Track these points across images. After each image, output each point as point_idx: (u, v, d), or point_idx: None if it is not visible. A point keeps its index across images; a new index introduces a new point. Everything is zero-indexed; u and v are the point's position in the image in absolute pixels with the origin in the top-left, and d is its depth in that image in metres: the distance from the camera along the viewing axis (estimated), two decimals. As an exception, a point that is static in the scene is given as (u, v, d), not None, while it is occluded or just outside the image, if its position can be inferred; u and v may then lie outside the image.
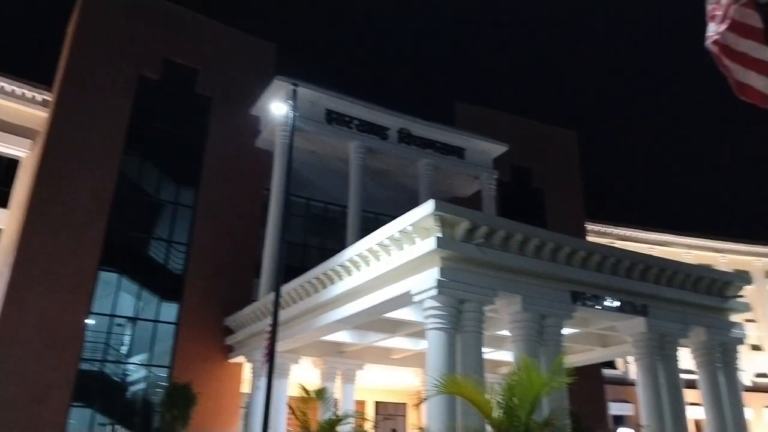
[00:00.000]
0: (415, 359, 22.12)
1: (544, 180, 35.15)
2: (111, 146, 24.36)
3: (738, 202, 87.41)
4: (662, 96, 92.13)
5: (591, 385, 28.95)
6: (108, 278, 23.28)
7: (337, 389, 21.89)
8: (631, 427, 28.58)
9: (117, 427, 22.24)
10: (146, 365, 23.54)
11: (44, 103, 26.53)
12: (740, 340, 17.07)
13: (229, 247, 25.26)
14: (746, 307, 17.70)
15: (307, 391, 15.64)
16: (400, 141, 27.46)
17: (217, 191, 25.98)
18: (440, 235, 12.50)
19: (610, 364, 33.88)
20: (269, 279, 22.28)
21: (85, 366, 21.95)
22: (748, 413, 23.52)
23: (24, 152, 26.29)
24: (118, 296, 23.51)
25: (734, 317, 17.41)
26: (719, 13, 5.20)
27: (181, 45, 27.35)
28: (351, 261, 15.41)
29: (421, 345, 18.46)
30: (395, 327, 18.53)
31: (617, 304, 14.89)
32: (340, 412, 15.78)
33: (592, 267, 14.60)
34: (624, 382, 34.36)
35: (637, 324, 15.37)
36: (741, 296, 17.33)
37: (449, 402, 11.37)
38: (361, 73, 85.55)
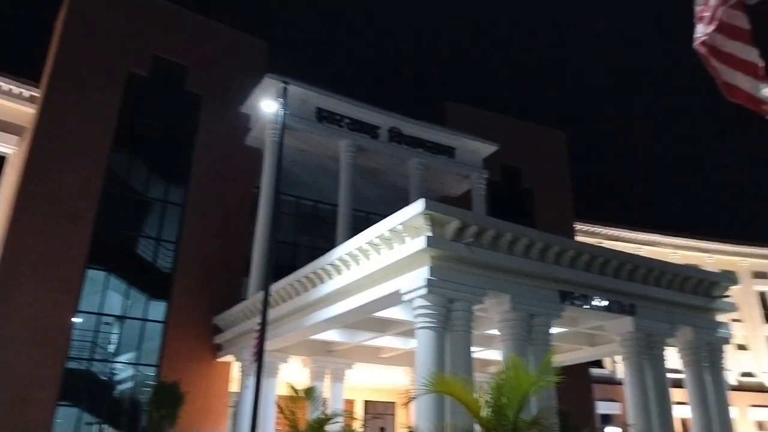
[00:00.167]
0: (405, 358, 22.14)
1: (534, 180, 35.30)
2: (99, 143, 24.17)
3: (725, 202, 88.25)
4: (651, 97, 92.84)
5: (579, 384, 29.13)
6: (96, 276, 23.10)
7: (326, 388, 21.86)
8: (618, 426, 28.75)
9: (104, 426, 22.09)
10: (134, 364, 23.38)
11: (31, 99, 26.27)
12: (726, 340, 17.22)
13: (218, 245, 25.14)
14: (732, 307, 17.87)
15: (295, 390, 15.58)
16: (391, 140, 27.45)
17: (206, 189, 25.85)
18: (430, 234, 12.52)
19: (598, 364, 34.12)
20: (258, 278, 22.19)
21: (72, 365, 21.77)
22: (734, 412, 23.75)
23: (11, 149, 26.02)
24: (105, 294, 23.34)
25: (720, 317, 17.57)
26: (707, 14, 5.23)
27: (171, 42, 27.17)
28: (341, 260, 15.39)
29: (411, 344, 18.49)
30: (385, 326, 18.53)
31: (605, 303, 14.98)
32: (328, 411, 15.75)
33: (580, 267, 14.68)
34: (611, 381, 34.60)
35: (625, 323, 15.47)
36: (727, 296, 17.48)
37: (438, 401, 11.38)
38: (352, 71, 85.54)
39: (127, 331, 23.51)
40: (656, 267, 16.12)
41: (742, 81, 5.20)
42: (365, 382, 26.11)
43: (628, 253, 16.92)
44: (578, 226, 37.49)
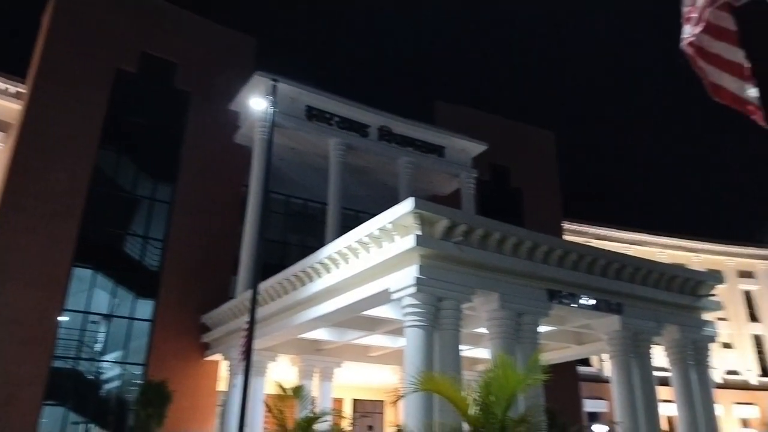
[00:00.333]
0: (393, 357, 22.13)
1: (523, 179, 35.46)
2: (86, 140, 23.96)
3: (712, 202, 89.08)
4: (640, 97, 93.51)
5: (566, 382, 29.30)
6: (82, 274, 22.91)
7: (314, 387, 21.83)
8: (605, 424, 28.94)
9: (91, 425, 21.92)
10: (121, 363, 23.22)
11: (18, 96, 25.97)
12: (712, 338, 17.38)
13: (206, 243, 25.02)
14: (718, 306, 18.05)
15: (284, 389, 15.53)
16: (381, 139, 27.45)
17: (194, 187, 25.70)
18: (419, 233, 12.53)
19: (585, 362, 34.33)
20: (247, 276, 22.12)
21: (58, 363, 21.58)
22: (719, 410, 24.01)
23: (-4, 145, 25.74)
24: (92, 293, 23.16)
25: (706, 316, 17.74)
26: (695, 15, 5.27)
27: (160, 38, 26.97)
28: (330, 258, 15.37)
29: (399, 342, 18.50)
30: (373, 324, 18.53)
31: (593, 302, 15.07)
32: (317, 410, 15.72)
33: (568, 265, 14.76)
34: (599, 379, 34.84)
35: (612, 322, 15.57)
36: (713, 295, 17.66)
37: (426, 399, 11.40)
38: (342, 70, 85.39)
39: (114, 330, 23.34)
40: (643, 266, 16.24)
41: (728, 82, 5.24)
42: (354, 381, 26.10)
43: (616, 252, 17.03)
44: (566, 225, 37.71)
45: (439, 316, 12.71)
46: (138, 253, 24.55)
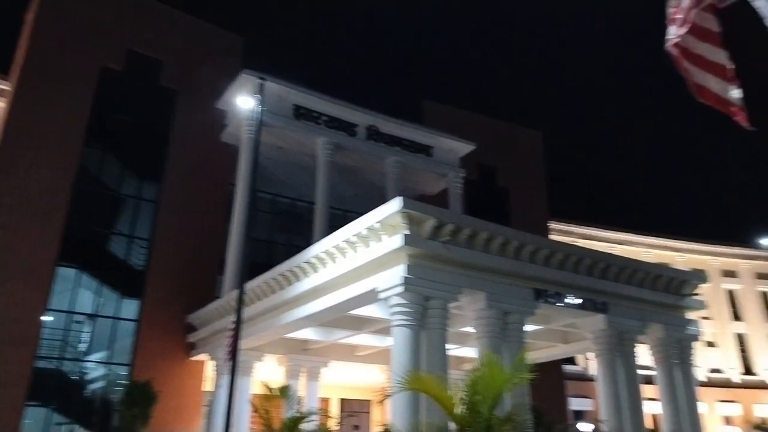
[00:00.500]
0: (380, 356, 22.13)
1: (510, 179, 35.61)
2: (71, 138, 23.70)
3: (696, 203, 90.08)
4: (627, 96, 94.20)
5: (552, 381, 29.46)
6: (66, 274, 22.67)
7: (301, 387, 21.77)
8: (590, 422, 29.15)
9: (75, 426, 21.69)
10: (106, 363, 23.01)
11: (1, 93, 25.65)
12: (695, 337, 17.57)
13: (192, 242, 24.85)
14: (702, 305, 18.25)
15: (270, 389, 15.49)
16: (369, 138, 27.44)
17: (181, 186, 25.52)
18: (407, 232, 12.53)
19: (571, 361, 34.58)
20: (233, 275, 22.01)
21: (41, 364, 21.34)
22: (702, 407, 24.28)
23: (-22, 143, 25.36)
24: (77, 292, 22.91)
25: (690, 315, 17.92)
26: (680, 16, 5.32)
27: (146, 36, 26.74)
28: (317, 258, 15.34)
29: (387, 342, 18.49)
30: (360, 324, 18.52)
31: (578, 301, 15.18)
32: (303, 410, 15.68)
33: (554, 265, 14.85)
34: (584, 377, 35.09)
35: (598, 321, 15.69)
36: (697, 294, 17.86)
37: (413, 399, 11.41)
38: (330, 69, 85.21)
39: (99, 330, 23.12)
40: (628, 265, 16.38)
41: (712, 83, 5.30)
42: (341, 381, 26.06)
43: (601, 252, 17.16)
44: (553, 225, 37.93)
45: (427, 316, 12.73)
46: (123, 252, 24.34)
